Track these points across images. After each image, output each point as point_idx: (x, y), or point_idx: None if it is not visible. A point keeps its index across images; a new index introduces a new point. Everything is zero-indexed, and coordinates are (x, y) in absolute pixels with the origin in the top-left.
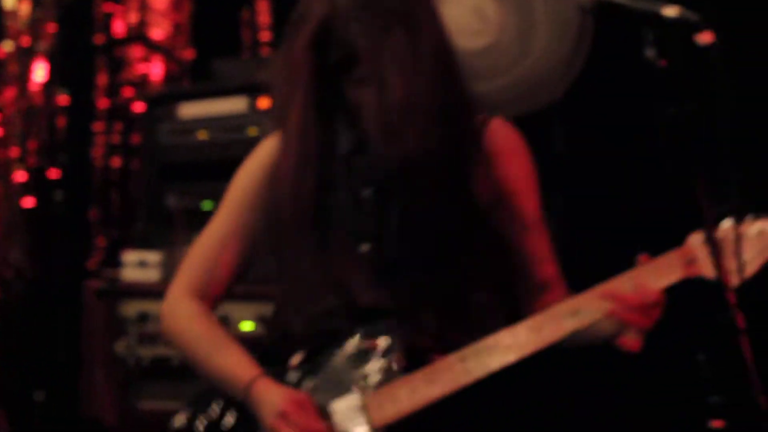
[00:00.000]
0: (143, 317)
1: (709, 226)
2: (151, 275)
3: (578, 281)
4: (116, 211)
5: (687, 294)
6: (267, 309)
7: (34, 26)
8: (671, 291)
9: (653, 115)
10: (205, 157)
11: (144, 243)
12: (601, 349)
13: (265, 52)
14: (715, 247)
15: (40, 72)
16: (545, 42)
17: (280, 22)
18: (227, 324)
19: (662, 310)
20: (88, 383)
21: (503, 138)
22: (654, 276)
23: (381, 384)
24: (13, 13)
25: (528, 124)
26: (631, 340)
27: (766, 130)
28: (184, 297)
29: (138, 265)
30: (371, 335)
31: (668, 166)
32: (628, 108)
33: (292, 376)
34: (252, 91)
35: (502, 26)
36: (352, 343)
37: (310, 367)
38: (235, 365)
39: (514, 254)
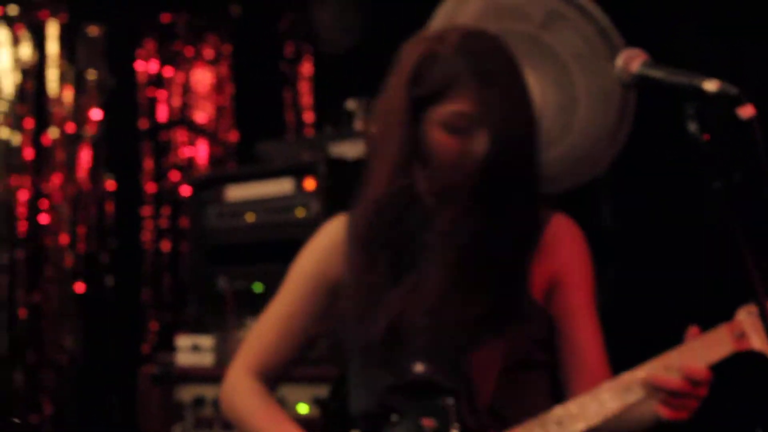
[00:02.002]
0: (199, 402)
1: (759, 300)
2: (205, 360)
3: (629, 354)
4: (167, 295)
5: (740, 370)
6: (322, 391)
7: (79, 112)
8: (726, 367)
9: (700, 189)
10: (253, 239)
11: (196, 327)
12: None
13: (308, 132)
14: (765, 320)
15: (86, 158)
16: (587, 117)
17: (322, 103)
18: (283, 406)
19: (708, 389)
20: None
21: (563, 230)
22: (703, 350)
23: None
24: (58, 100)
25: (575, 199)
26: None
27: None
28: (244, 375)
29: (192, 349)
30: (427, 413)
31: (717, 240)
32: (676, 181)
33: None
34: (298, 172)
35: (543, 102)
36: (407, 420)
37: None
38: None
39: (563, 340)
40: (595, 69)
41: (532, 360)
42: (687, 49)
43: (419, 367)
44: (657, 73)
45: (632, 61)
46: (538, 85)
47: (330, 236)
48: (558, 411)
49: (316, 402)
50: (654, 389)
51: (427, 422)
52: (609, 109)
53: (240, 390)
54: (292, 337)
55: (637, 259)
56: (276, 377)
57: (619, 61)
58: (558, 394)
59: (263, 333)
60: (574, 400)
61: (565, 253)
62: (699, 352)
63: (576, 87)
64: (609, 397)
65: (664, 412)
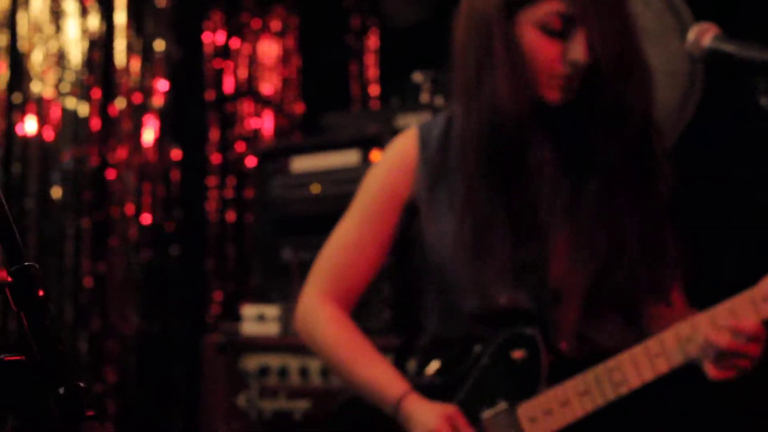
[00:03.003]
0: (264, 371)
1: None
2: (271, 329)
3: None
4: (231, 265)
5: None
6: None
7: (146, 83)
8: None
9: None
10: (318, 210)
11: (261, 297)
12: None
13: (374, 105)
14: None
15: (152, 128)
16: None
17: (387, 76)
18: None
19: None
20: None
21: None
22: (758, 304)
23: (527, 393)
24: (125, 71)
25: None
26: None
27: None
28: (320, 301)
29: (257, 319)
30: (515, 345)
31: None
32: (741, 157)
33: (439, 387)
34: (364, 143)
35: None
36: (495, 351)
37: (451, 377)
38: (383, 379)
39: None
40: (664, 44)
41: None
42: (756, 25)
43: (504, 296)
44: (729, 47)
45: (704, 35)
46: None
47: (400, 152)
48: (638, 349)
49: None
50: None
51: (517, 354)
52: (677, 84)
53: (319, 318)
54: (365, 258)
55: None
56: (351, 300)
57: (691, 34)
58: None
59: (334, 255)
60: (655, 338)
61: None
62: (753, 307)
63: None
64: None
65: (711, 372)
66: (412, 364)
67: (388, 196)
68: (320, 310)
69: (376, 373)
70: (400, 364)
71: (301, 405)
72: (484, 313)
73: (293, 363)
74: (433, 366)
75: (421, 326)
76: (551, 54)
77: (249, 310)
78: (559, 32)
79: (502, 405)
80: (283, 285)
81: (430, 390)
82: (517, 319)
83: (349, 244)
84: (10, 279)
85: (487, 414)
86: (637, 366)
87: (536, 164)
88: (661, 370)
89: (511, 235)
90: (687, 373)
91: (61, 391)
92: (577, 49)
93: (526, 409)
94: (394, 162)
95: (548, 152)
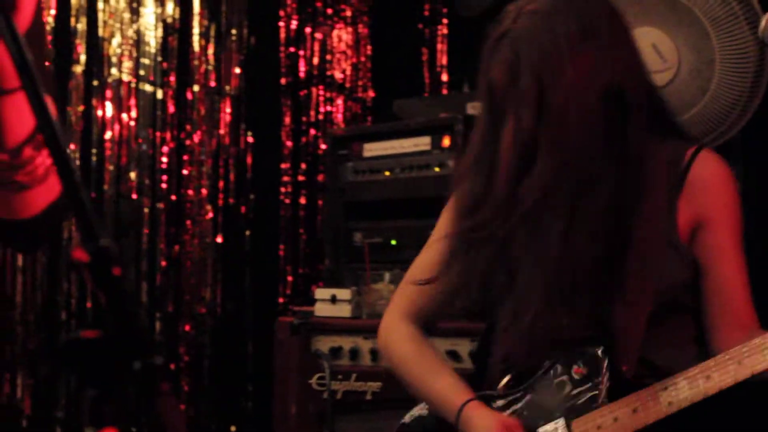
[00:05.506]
0: (335, 352)
1: None
2: (343, 311)
3: None
4: (304, 249)
5: None
6: (459, 345)
7: (220, 69)
8: None
9: None
10: (388, 194)
11: (333, 280)
12: None
13: (445, 91)
14: None
15: (226, 113)
16: (722, 77)
17: (458, 63)
18: None
19: None
20: (281, 417)
21: (709, 168)
22: None
23: (585, 410)
24: (200, 57)
25: None
26: None
27: None
28: (398, 320)
29: (330, 301)
30: (578, 362)
31: None
32: None
33: (501, 399)
34: (435, 129)
35: (679, 63)
36: (558, 368)
37: (517, 390)
38: (447, 388)
39: (707, 282)
40: (733, 32)
41: (679, 304)
42: None
43: (566, 317)
44: None
45: None
46: (674, 46)
47: None
48: (695, 369)
49: (449, 354)
50: None
51: (578, 370)
52: (744, 73)
53: (395, 336)
54: (444, 282)
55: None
56: (430, 320)
57: (763, 21)
58: (703, 340)
59: (416, 279)
60: (713, 360)
61: (710, 192)
62: None
63: (712, 47)
64: (748, 358)
65: None
66: (489, 378)
67: None
68: (397, 329)
69: (442, 384)
70: (477, 376)
71: (372, 386)
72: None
73: (364, 345)
74: (504, 379)
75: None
76: None
77: (322, 293)
78: None
79: (559, 421)
80: (354, 268)
81: (497, 402)
82: (582, 337)
83: (429, 268)
84: (87, 259)
85: (542, 429)
86: (691, 384)
87: None
88: (711, 390)
89: None
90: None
91: (137, 366)
92: None
93: (578, 425)
94: None
95: None
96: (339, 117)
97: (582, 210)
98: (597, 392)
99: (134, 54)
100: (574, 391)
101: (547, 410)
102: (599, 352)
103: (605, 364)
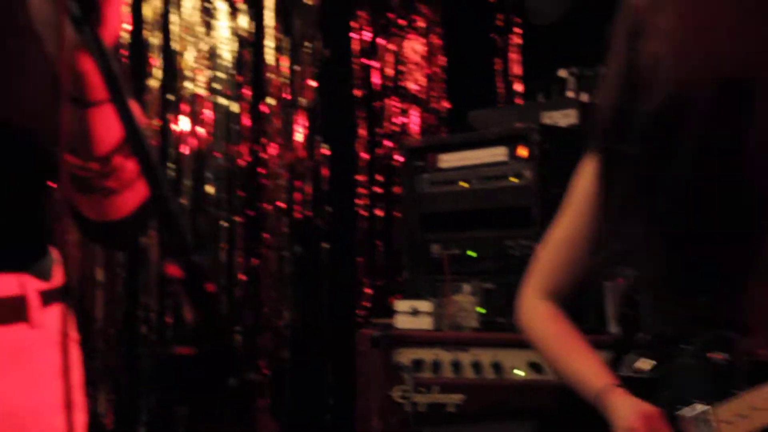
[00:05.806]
0: (417, 364)
1: None
2: (424, 323)
3: None
4: (381, 260)
5: None
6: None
7: (295, 81)
8: None
9: None
10: (465, 205)
11: (411, 292)
12: None
13: (519, 101)
14: None
15: (301, 126)
16: None
17: (532, 73)
18: (499, 372)
19: None
20: (363, 431)
21: None
22: None
23: (726, 397)
24: (274, 70)
25: None
26: None
27: None
28: (538, 298)
29: (410, 313)
30: (714, 347)
31: None
32: None
33: (641, 382)
34: (511, 139)
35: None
36: (696, 353)
37: (658, 375)
38: (588, 370)
39: None
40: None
41: None
42: None
43: (705, 300)
44: None
45: None
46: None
47: None
48: None
49: (531, 366)
50: None
51: (717, 355)
52: None
53: (537, 315)
54: (579, 255)
55: None
56: (567, 295)
57: None
58: None
59: (549, 255)
60: None
61: None
62: None
63: None
64: None
65: None
66: (628, 360)
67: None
68: (539, 307)
69: (583, 365)
70: (617, 359)
71: (455, 398)
72: (688, 317)
73: (446, 357)
74: (643, 362)
75: (639, 323)
76: None
77: (402, 305)
78: None
79: (700, 406)
80: (431, 280)
81: (638, 386)
82: (721, 321)
83: (561, 243)
84: (181, 275)
85: (683, 414)
86: None
87: None
88: None
89: None
90: None
91: (233, 382)
92: None
93: (723, 412)
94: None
95: None
96: (414, 128)
97: None
98: (735, 377)
99: (209, 67)
100: (712, 376)
101: (686, 395)
102: (737, 335)
103: (742, 350)
